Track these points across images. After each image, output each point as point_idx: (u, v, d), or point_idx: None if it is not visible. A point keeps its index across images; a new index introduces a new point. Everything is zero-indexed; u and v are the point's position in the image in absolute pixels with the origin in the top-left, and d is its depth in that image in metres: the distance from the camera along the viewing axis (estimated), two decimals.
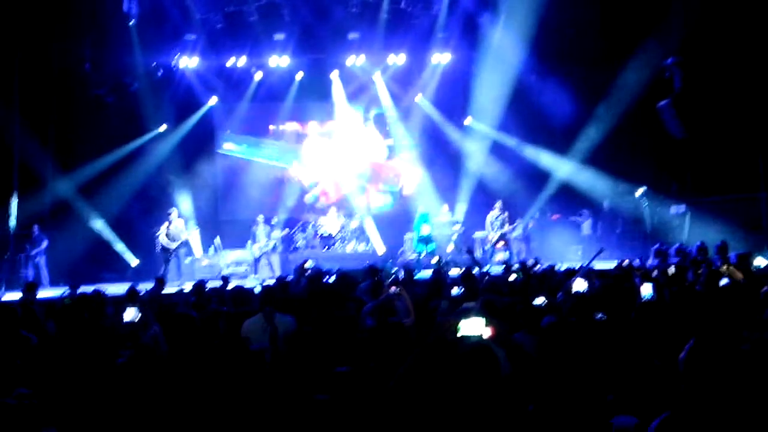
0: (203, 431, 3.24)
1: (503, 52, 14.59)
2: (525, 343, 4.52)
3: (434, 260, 10.79)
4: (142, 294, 7.84)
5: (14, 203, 13.34)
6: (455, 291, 6.16)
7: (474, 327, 3.68)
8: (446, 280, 7.86)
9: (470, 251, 10.96)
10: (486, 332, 3.74)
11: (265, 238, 13.91)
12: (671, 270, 7.44)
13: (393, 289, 6.22)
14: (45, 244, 12.94)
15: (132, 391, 3.56)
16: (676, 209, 13.45)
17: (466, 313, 3.86)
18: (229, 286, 8.57)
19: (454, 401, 2.92)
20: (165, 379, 3.79)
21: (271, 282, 8.80)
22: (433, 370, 3.19)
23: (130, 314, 5.58)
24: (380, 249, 14.90)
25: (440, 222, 14.44)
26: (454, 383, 2.97)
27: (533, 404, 3.28)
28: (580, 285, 6.43)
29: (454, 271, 9.22)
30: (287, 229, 14.86)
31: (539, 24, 13.82)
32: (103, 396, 3.65)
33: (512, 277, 8.31)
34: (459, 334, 3.68)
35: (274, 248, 14.03)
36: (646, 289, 5.85)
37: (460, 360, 3.02)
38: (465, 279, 7.23)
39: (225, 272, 13.58)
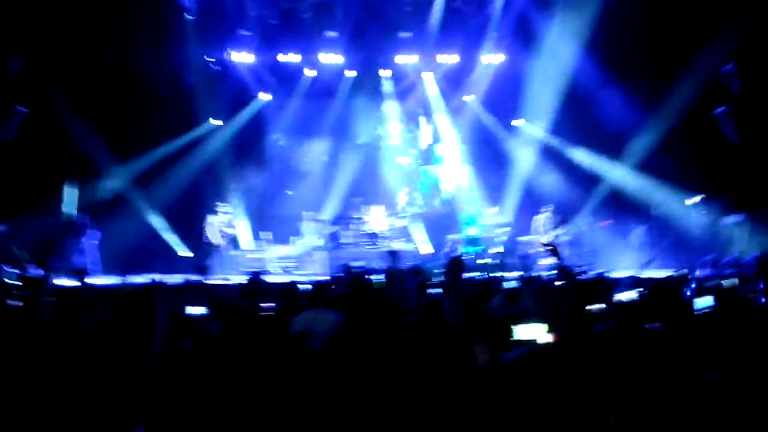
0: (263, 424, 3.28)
1: (557, 53, 14.42)
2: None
3: (483, 261, 10.74)
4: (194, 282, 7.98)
5: (68, 192, 13.75)
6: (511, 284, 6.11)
7: (532, 332, 3.65)
8: (498, 283, 7.80)
9: (524, 256, 10.85)
10: (546, 338, 3.71)
11: (312, 235, 14.01)
12: (727, 283, 7.25)
13: None
14: (96, 233, 13.27)
15: (198, 383, 3.63)
16: (732, 219, 13.09)
17: (525, 315, 3.84)
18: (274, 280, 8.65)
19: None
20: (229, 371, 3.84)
21: (317, 279, 8.85)
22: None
23: (199, 310, 5.71)
24: (424, 249, 14.87)
25: (489, 224, 14.34)
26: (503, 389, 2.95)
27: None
28: (628, 294, 6.34)
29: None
30: (334, 227, 14.94)
31: (595, 26, 13.64)
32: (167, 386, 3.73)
33: (559, 282, 8.21)
34: (515, 338, 3.66)
35: (321, 245, 14.12)
36: (702, 301, 5.72)
37: (511, 366, 3.01)
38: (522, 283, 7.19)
39: (271, 267, 13.78)
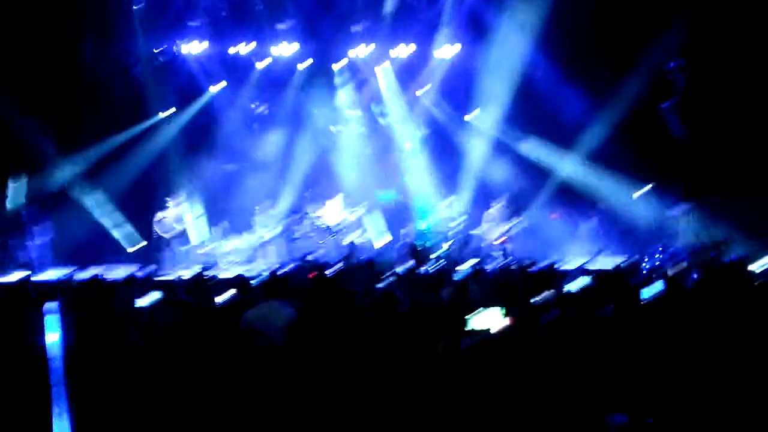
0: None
1: (509, 46, 14.53)
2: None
3: (434, 255, 10.81)
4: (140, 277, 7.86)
5: (11, 186, 13.37)
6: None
7: (487, 321, 3.68)
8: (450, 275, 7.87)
9: (474, 249, 10.95)
10: (501, 324, 3.74)
11: (264, 228, 13.88)
12: (671, 271, 7.45)
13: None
14: (37, 228, 12.93)
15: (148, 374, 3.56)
16: (677, 210, 13.44)
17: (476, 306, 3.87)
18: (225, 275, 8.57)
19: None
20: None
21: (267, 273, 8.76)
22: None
23: (152, 298, 5.68)
24: (378, 242, 14.86)
25: (442, 216, 14.41)
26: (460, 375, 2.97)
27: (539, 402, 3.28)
28: (577, 283, 6.47)
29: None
30: (287, 219, 14.80)
31: (546, 19, 13.82)
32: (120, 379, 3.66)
33: (510, 274, 8.33)
34: (468, 328, 3.69)
35: (272, 238, 14.00)
36: (649, 289, 5.87)
37: (467, 353, 3.03)
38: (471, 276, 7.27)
39: (222, 261, 13.62)
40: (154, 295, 5.83)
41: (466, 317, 4.38)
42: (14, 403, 3.42)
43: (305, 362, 3.42)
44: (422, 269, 9.48)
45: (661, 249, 10.25)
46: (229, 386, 3.51)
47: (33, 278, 9.04)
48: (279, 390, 3.47)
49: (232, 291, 6.69)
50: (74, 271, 8.99)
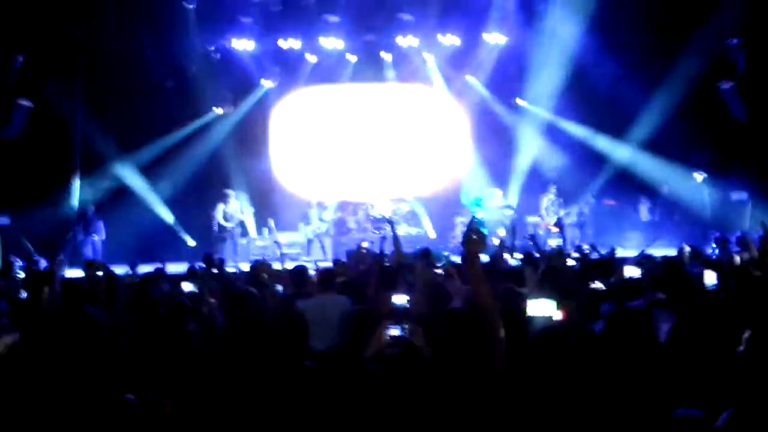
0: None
1: (560, 32, 14.32)
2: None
3: (495, 241, 10.69)
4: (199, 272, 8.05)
5: (76, 184, 13.82)
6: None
7: (542, 308, 3.66)
8: (503, 265, 7.81)
9: (533, 237, 10.83)
10: (557, 314, 3.72)
11: (318, 221, 14.04)
12: (737, 260, 7.25)
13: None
14: (100, 224, 13.35)
15: (194, 358, 3.65)
16: (737, 196, 13.05)
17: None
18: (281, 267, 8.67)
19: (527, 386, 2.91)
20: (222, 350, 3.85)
21: (324, 264, 8.87)
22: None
23: (188, 287, 5.86)
24: (431, 232, 14.88)
25: (493, 206, 14.32)
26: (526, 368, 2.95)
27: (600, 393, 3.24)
28: (633, 271, 6.36)
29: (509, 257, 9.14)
30: (339, 212, 14.92)
31: (596, 3, 13.54)
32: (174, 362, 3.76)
33: (569, 263, 8.23)
34: (528, 314, 3.66)
35: (327, 231, 14.15)
36: (710, 278, 5.72)
37: (533, 342, 3.00)
38: (526, 263, 7.20)
39: (279, 253, 13.80)
40: (190, 285, 6.03)
41: (523, 307, 4.34)
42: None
43: (358, 359, 3.44)
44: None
45: (721, 236, 9.95)
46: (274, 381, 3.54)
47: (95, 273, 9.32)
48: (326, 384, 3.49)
49: (289, 282, 6.79)
50: (136, 267, 9.22)
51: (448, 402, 2.88)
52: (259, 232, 14.52)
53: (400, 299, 6.01)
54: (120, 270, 9.67)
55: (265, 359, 3.57)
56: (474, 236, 3.28)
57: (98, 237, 13.35)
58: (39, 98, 13.06)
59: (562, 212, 13.65)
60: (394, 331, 2.88)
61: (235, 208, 13.78)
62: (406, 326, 2.88)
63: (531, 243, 9.54)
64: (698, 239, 11.16)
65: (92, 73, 13.81)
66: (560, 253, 8.84)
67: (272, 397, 3.21)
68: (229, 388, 3.20)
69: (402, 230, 14.67)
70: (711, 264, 7.00)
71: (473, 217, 12.41)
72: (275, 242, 12.85)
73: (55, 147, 13.61)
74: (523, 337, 3.54)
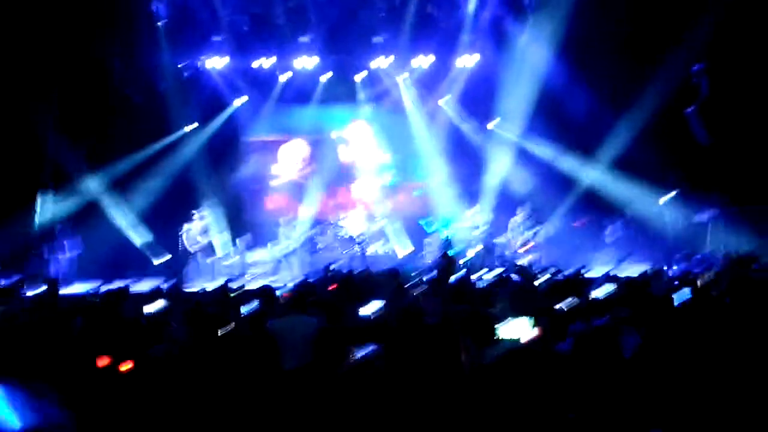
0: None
1: (530, 55, 14.57)
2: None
3: (464, 260, 10.76)
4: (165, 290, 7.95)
5: (40, 201, 13.59)
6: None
7: (516, 330, 3.67)
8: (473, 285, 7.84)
9: (500, 257, 10.92)
10: (529, 335, 3.73)
11: (286, 240, 13.97)
12: (701, 280, 7.36)
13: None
14: (68, 242, 13.12)
15: (164, 384, 3.59)
16: (701, 217, 13.29)
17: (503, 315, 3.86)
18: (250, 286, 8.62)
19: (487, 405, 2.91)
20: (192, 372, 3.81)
21: (291, 284, 8.79)
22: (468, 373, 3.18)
23: (157, 305, 5.77)
24: (401, 252, 14.89)
25: (465, 226, 14.39)
26: (487, 388, 2.95)
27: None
28: (600, 291, 6.43)
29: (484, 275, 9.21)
30: (309, 232, 14.85)
31: (567, 28, 13.79)
32: (136, 387, 3.69)
33: (536, 282, 8.29)
34: (499, 337, 3.68)
35: (295, 250, 14.08)
36: (680, 295, 5.81)
37: (495, 365, 3.01)
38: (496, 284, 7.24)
39: (247, 273, 13.74)
40: (159, 303, 5.94)
41: (495, 327, 4.35)
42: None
43: (326, 376, 3.42)
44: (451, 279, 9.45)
45: (687, 256, 10.11)
46: (248, 399, 3.52)
47: (61, 291, 9.16)
48: (299, 402, 3.47)
49: (256, 302, 6.73)
50: (100, 284, 9.08)
51: (413, 417, 2.88)
52: (228, 250, 14.39)
53: (368, 310, 6.03)
54: (86, 287, 9.56)
55: (233, 377, 3.54)
56: (445, 260, 3.31)
57: (65, 255, 13.09)
58: (7, 113, 12.86)
59: (529, 233, 13.77)
60: (361, 353, 2.86)
61: (200, 228, 13.69)
62: (372, 349, 2.86)
63: (498, 263, 9.63)
64: (662, 260, 11.33)
65: (62, 89, 13.64)
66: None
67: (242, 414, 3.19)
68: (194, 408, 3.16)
69: (372, 249, 14.69)
70: (674, 285, 7.10)
71: (446, 239, 12.46)
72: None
73: (22, 162, 13.38)
74: (489, 357, 3.55)
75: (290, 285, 8.42)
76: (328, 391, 2.69)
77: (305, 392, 3.39)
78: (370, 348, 2.84)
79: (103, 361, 4.02)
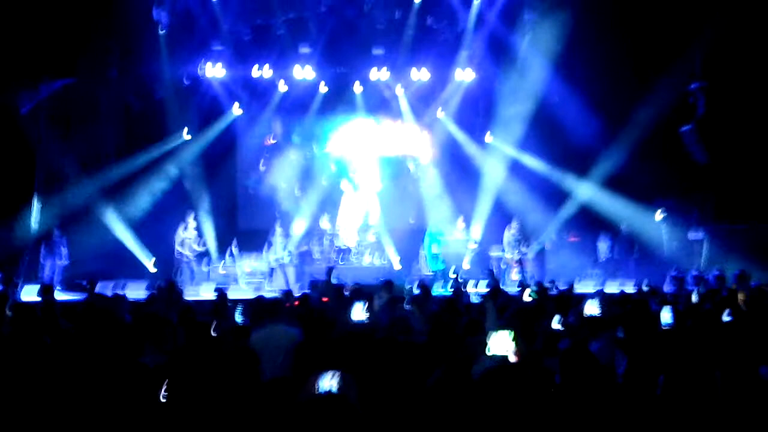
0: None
1: (527, 71, 14.66)
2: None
3: (451, 273, 10.78)
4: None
5: (36, 205, 13.56)
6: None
7: (501, 343, 3.69)
8: (464, 298, 7.86)
9: (490, 271, 10.97)
10: (510, 348, 3.75)
11: (282, 249, 13.98)
12: (694, 298, 7.39)
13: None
14: (64, 248, 13.08)
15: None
16: (694, 235, 13.35)
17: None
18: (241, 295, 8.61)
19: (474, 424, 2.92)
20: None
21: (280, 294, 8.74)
22: (455, 389, 3.19)
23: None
24: (396, 263, 14.91)
25: (455, 239, 14.42)
26: (474, 405, 2.96)
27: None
28: (592, 308, 6.44)
29: (472, 289, 9.21)
30: (305, 241, 14.84)
31: (564, 45, 13.89)
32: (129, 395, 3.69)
33: (527, 297, 8.31)
34: (488, 353, 3.69)
35: (291, 260, 14.07)
36: (666, 316, 5.83)
37: (482, 380, 3.02)
38: (491, 297, 7.24)
39: (241, 281, 13.74)
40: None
41: (487, 341, 4.36)
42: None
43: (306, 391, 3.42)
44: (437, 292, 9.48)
45: (678, 274, 10.16)
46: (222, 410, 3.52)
47: (55, 297, 9.14)
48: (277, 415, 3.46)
49: (241, 311, 6.73)
50: (88, 288, 9.07)
51: None
52: (222, 257, 14.39)
53: (358, 315, 6.03)
54: (76, 295, 9.54)
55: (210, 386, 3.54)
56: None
57: (60, 261, 13.06)
58: (2, 116, 12.84)
59: (524, 248, 13.81)
60: (326, 383, 2.75)
61: (194, 234, 13.67)
62: (338, 378, 2.76)
63: (488, 277, 9.65)
64: (655, 277, 11.37)
65: (61, 94, 13.63)
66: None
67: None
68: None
69: (366, 261, 14.70)
70: (668, 302, 7.12)
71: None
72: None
73: (16, 166, 13.35)
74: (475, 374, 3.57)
75: (276, 295, 8.41)
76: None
77: (278, 406, 3.38)
78: (336, 379, 2.71)
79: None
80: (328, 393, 2.65)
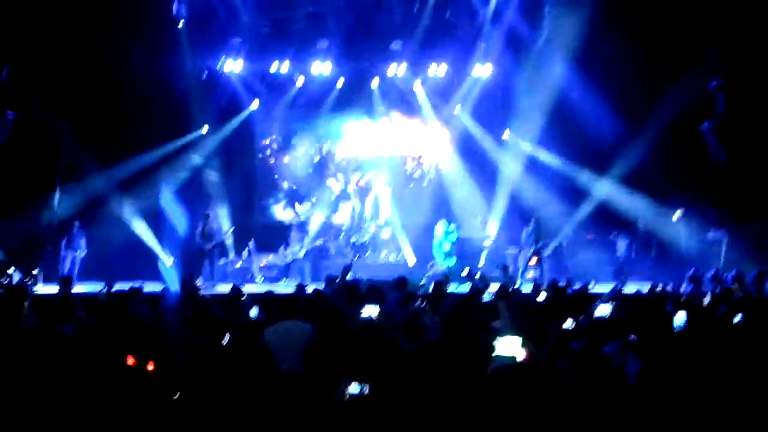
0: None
1: (545, 67, 14.54)
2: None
3: (464, 273, 10.74)
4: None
5: (57, 198, 13.71)
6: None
7: (510, 347, 3.69)
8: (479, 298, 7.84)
9: (505, 267, 10.92)
10: (521, 354, 3.74)
11: (298, 244, 14.02)
12: (706, 300, 7.32)
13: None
14: (83, 241, 13.22)
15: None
16: (713, 234, 13.20)
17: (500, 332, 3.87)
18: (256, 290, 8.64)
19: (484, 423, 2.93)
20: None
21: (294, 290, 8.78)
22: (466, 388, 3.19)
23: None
24: (411, 260, 14.89)
25: (474, 236, 14.38)
26: (485, 405, 2.97)
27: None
28: (604, 310, 6.39)
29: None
30: (321, 237, 14.87)
31: (583, 41, 13.76)
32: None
33: (542, 296, 8.28)
34: (494, 353, 3.69)
35: (307, 255, 14.12)
36: (679, 318, 5.78)
37: (492, 380, 3.03)
38: (500, 296, 7.23)
39: (258, 278, 13.81)
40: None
41: (494, 343, 4.36)
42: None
43: (319, 387, 3.44)
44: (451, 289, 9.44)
45: (697, 274, 10.05)
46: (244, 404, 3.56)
47: (73, 290, 9.24)
48: (289, 412, 3.50)
49: (256, 308, 6.77)
50: (113, 283, 9.14)
51: None
52: (239, 253, 14.47)
53: (370, 311, 6.05)
54: (94, 286, 9.64)
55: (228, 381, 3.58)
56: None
57: (79, 253, 13.20)
58: (24, 109, 12.98)
59: (540, 245, 13.74)
60: (354, 388, 2.83)
61: (215, 227, 13.73)
62: (366, 386, 2.83)
63: (502, 274, 9.58)
64: (673, 276, 11.25)
65: (80, 86, 13.74)
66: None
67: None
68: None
69: (382, 257, 14.71)
70: (682, 304, 7.07)
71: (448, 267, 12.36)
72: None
73: (37, 159, 13.51)
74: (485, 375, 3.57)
75: (291, 291, 8.44)
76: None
77: (295, 399, 3.41)
78: (362, 387, 2.80)
79: (130, 360, 4.08)
80: (357, 396, 2.70)
